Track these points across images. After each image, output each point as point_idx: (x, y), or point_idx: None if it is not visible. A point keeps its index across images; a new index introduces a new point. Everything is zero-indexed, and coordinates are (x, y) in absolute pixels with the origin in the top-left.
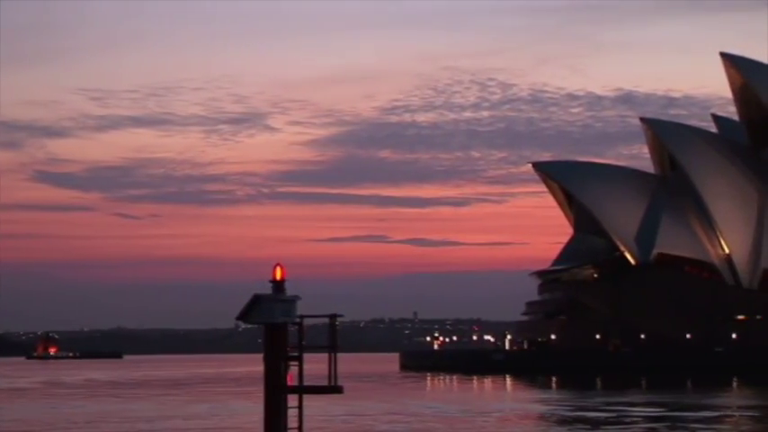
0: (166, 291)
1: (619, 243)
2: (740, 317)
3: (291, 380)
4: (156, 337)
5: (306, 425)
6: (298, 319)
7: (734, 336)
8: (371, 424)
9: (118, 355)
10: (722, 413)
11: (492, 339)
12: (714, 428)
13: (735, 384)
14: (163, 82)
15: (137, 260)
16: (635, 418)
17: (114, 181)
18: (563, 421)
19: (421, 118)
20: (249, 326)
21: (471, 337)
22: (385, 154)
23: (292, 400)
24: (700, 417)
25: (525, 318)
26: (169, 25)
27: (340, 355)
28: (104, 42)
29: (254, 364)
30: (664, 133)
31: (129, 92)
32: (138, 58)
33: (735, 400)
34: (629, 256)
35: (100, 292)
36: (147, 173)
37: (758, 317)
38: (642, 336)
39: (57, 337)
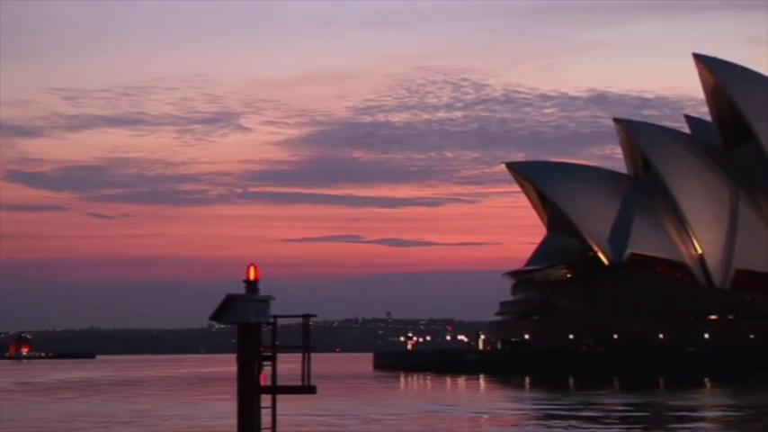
0: (140, 291)
1: (592, 243)
2: (713, 317)
3: (265, 380)
4: (130, 338)
5: (279, 425)
6: (271, 320)
7: (706, 336)
8: (345, 424)
9: (91, 356)
10: (696, 413)
11: (465, 339)
12: (689, 428)
13: (707, 384)
14: (136, 81)
15: (110, 260)
16: (609, 418)
17: (87, 181)
18: (536, 421)
19: (394, 118)
20: (223, 326)
21: (445, 337)
22: (358, 154)
23: (266, 400)
24: (674, 416)
25: (499, 318)
26: (142, 25)
27: (313, 356)
28: (77, 42)
29: (227, 365)
30: (637, 134)
31: (102, 91)
32: (110, 57)
33: (708, 400)
34: (602, 257)
35: (73, 292)
36: (119, 172)
37: (730, 317)
38: (615, 336)
39: (29, 337)
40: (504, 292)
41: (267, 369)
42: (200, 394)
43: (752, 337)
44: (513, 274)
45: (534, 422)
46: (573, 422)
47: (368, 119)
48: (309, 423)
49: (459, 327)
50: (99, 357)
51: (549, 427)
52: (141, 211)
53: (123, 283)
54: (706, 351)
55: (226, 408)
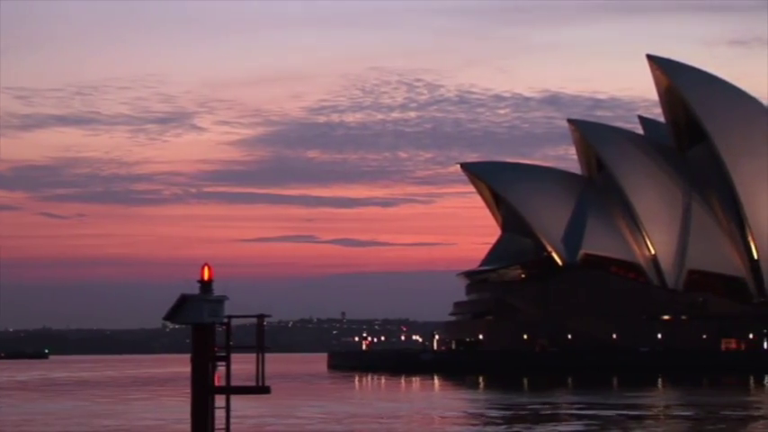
0: (93, 291)
1: (546, 243)
2: (665, 317)
3: (219, 380)
4: (83, 338)
5: (233, 425)
6: (225, 320)
7: (659, 336)
8: (299, 423)
9: (43, 356)
10: (649, 412)
11: (420, 339)
12: (644, 427)
13: (660, 384)
14: (89, 81)
15: (63, 260)
16: (562, 417)
17: (40, 180)
18: (489, 420)
19: (349, 118)
20: (177, 326)
21: (399, 338)
22: (313, 154)
23: (220, 400)
24: (628, 415)
25: (453, 318)
26: (95, 24)
27: (268, 356)
28: (29, 41)
29: (181, 365)
30: (591, 134)
31: (55, 90)
32: (63, 56)
33: (661, 400)
34: (556, 257)
35: (25, 291)
36: (73, 172)
37: (683, 317)
38: (569, 336)
39: None
40: (459, 292)
41: (221, 369)
42: (153, 394)
43: (704, 337)
44: (468, 274)
45: (487, 422)
46: (528, 422)
47: (322, 119)
48: (265, 423)
49: (414, 327)
50: (52, 358)
51: (505, 426)
52: (95, 211)
53: (77, 283)
54: (658, 351)
55: (179, 408)
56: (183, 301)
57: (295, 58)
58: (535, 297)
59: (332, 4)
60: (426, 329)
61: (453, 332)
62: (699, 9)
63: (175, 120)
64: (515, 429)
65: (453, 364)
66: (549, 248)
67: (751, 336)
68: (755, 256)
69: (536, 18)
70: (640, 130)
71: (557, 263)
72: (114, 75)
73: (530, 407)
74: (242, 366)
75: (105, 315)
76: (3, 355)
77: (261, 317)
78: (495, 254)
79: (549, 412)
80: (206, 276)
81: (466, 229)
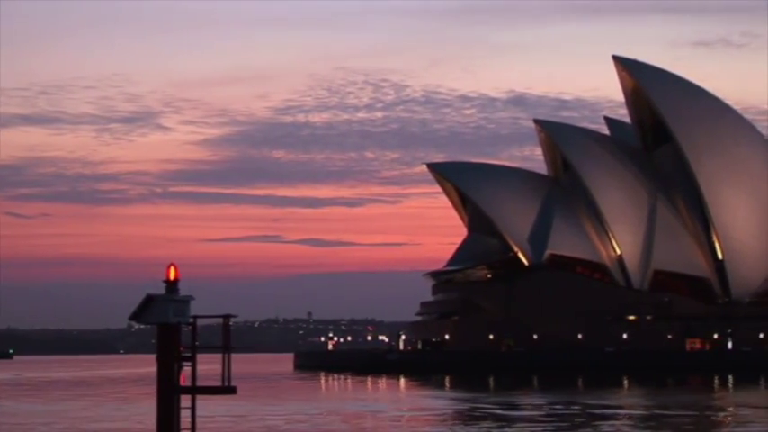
0: (58, 291)
1: (512, 244)
2: (631, 317)
3: (184, 380)
4: (48, 338)
5: (199, 425)
6: (191, 320)
7: (624, 336)
8: (265, 423)
9: (7, 356)
10: (615, 411)
11: (386, 339)
12: (609, 425)
13: (625, 384)
14: (54, 80)
15: (27, 260)
16: (528, 417)
17: (4, 180)
18: (455, 420)
19: (315, 118)
20: (142, 326)
21: (366, 338)
22: (279, 154)
23: (185, 400)
24: (593, 414)
25: (419, 318)
26: (60, 23)
27: (234, 356)
28: None
29: (147, 365)
30: (556, 135)
31: (20, 90)
32: (28, 55)
33: (625, 400)
34: (522, 257)
35: None
36: (37, 172)
37: (648, 317)
38: (535, 336)
39: None
40: (425, 292)
41: (187, 369)
42: (119, 394)
43: (669, 337)
44: (434, 274)
45: (454, 421)
46: (492, 421)
47: (288, 119)
48: (231, 423)
49: (380, 327)
50: (17, 358)
51: (471, 425)
52: (60, 211)
53: (41, 283)
54: (624, 351)
55: (145, 408)
56: (149, 300)
57: (261, 59)
58: (501, 297)
59: (298, 5)
60: (392, 329)
61: (419, 332)
62: (663, 10)
63: (141, 119)
64: (481, 428)
65: (419, 364)
66: (515, 249)
67: (716, 336)
68: (720, 256)
69: (502, 19)
70: (606, 131)
71: (522, 263)
72: (79, 74)
73: (495, 406)
74: (208, 367)
75: (70, 315)
76: None
77: (227, 317)
78: (462, 254)
79: (515, 412)
80: (172, 276)
81: (432, 230)
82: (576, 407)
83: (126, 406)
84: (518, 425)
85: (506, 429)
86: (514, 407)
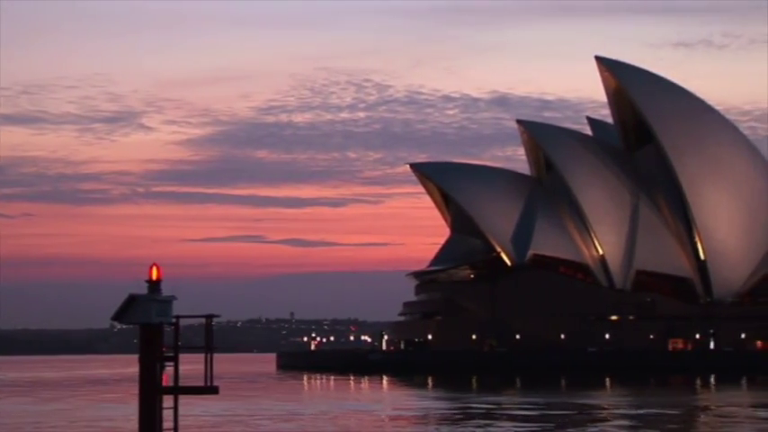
0: (40, 290)
1: (495, 244)
2: (613, 317)
3: (167, 380)
4: (30, 338)
5: (181, 426)
6: (174, 320)
7: (607, 336)
8: (248, 423)
9: None
10: (599, 411)
11: (369, 339)
12: (598, 426)
13: (608, 384)
14: (36, 80)
15: (9, 260)
16: (512, 416)
17: None
18: (438, 419)
19: (298, 118)
20: (125, 326)
21: (348, 338)
22: (262, 154)
23: (168, 400)
24: (578, 415)
25: (402, 318)
26: (42, 22)
27: (216, 356)
28: None
29: (129, 365)
30: (539, 135)
31: (1, 89)
32: (10, 55)
33: (609, 400)
34: (504, 257)
35: None
36: (19, 171)
37: (630, 317)
38: (517, 336)
39: None
40: (408, 292)
41: (169, 369)
42: (101, 395)
43: (651, 337)
44: (417, 274)
45: (437, 421)
46: (478, 421)
47: (271, 119)
48: (214, 424)
49: (363, 327)
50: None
51: (454, 425)
52: (42, 211)
53: (23, 283)
54: (607, 351)
55: (128, 408)
56: (132, 301)
57: (243, 58)
58: (484, 297)
59: (281, 5)
60: (375, 329)
61: (402, 332)
62: (645, 11)
63: (123, 119)
64: (465, 429)
65: (402, 364)
66: (498, 249)
67: (698, 336)
68: (702, 256)
69: (484, 19)
70: (589, 131)
71: (505, 263)
72: (61, 74)
73: (478, 406)
74: (190, 367)
75: (52, 315)
76: None
77: (209, 317)
78: (444, 254)
79: (498, 412)
80: (154, 276)
81: (415, 230)
82: (559, 407)
83: (108, 405)
84: (502, 424)
85: (490, 429)
86: (498, 406)
